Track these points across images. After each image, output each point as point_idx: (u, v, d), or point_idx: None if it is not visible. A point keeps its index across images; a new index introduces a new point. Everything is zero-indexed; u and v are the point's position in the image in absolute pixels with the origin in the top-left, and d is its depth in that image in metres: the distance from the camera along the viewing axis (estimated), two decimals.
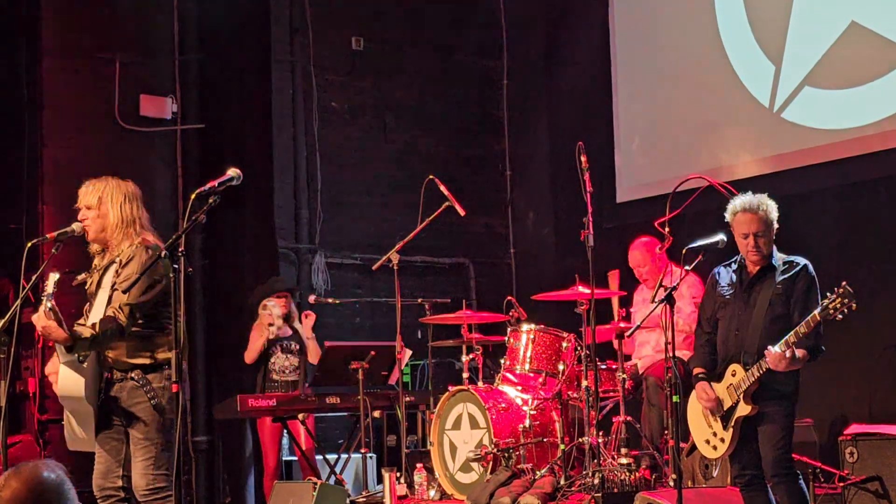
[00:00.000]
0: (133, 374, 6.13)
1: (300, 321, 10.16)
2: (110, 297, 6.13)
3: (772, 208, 6.61)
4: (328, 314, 11.42)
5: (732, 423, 6.51)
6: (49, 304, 5.83)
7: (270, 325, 9.88)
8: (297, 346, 10.01)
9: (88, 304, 6.35)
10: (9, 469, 3.53)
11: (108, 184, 6.39)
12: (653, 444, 8.23)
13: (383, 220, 12.21)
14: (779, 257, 6.62)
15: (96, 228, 6.30)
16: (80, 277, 6.41)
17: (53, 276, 5.96)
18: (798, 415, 6.71)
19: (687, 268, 7.43)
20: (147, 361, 6.15)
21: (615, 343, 8.45)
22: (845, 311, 6.10)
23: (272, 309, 9.88)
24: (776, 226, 6.62)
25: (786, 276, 6.56)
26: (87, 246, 6.46)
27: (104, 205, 6.32)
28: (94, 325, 6.04)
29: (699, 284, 8.62)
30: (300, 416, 9.45)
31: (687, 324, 8.48)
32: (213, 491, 11.74)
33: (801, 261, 6.60)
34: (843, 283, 6.12)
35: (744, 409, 6.46)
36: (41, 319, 5.88)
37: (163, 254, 5.80)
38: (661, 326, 8.36)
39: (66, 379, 6.10)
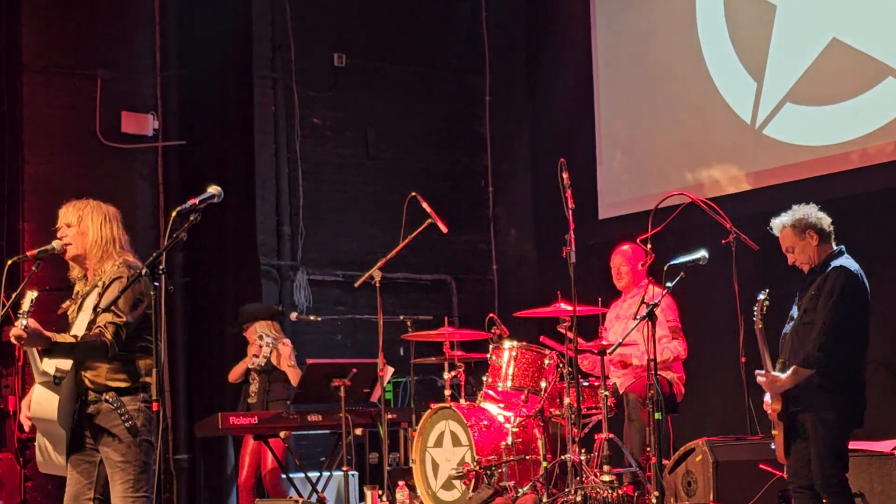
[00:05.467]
0: (107, 397, 6.07)
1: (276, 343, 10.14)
2: (93, 320, 6.07)
3: (796, 220, 6.72)
4: (310, 331, 11.40)
5: (775, 423, 6.66)
6: (24, 323, 5.76)
7: (255, 356, 9.87)
8: (258, 374, 9.98)
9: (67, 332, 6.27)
10: None
11: (88, 203, 6.37)
12: (635, 460, 8.22)
13: (365, 236, 12.20)
14: (835, 261, 6.69)
15: (76, 246, 6.25)
16: (65, 305, 6.35)
17: (31, 294, 5.89)
18: None
19: (669, 284, 7.46)
20: (124, 385, 6.09)
21: (599, 360, 8.42)
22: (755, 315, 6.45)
23: (264, 346, 9.88)
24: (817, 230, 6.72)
25: (821, 279, 6.64)
26: (69, 271, 6.40)
27: (84, 222, 6.28)
28: (75, 336, 5.98)
29: (674, 307, 8.66)
30: (282, 434, 9.41)
31: (659, 352, 8.49)
32: None
33: (838, 262, 6.67)
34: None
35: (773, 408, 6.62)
36: (16, 330, 5.81)
37: (143, 272, 5.76)
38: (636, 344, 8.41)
39: (40, 400, 6.02)
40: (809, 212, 6.77)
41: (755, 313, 6.62)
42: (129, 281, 5.97)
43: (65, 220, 6.31)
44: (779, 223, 6.80)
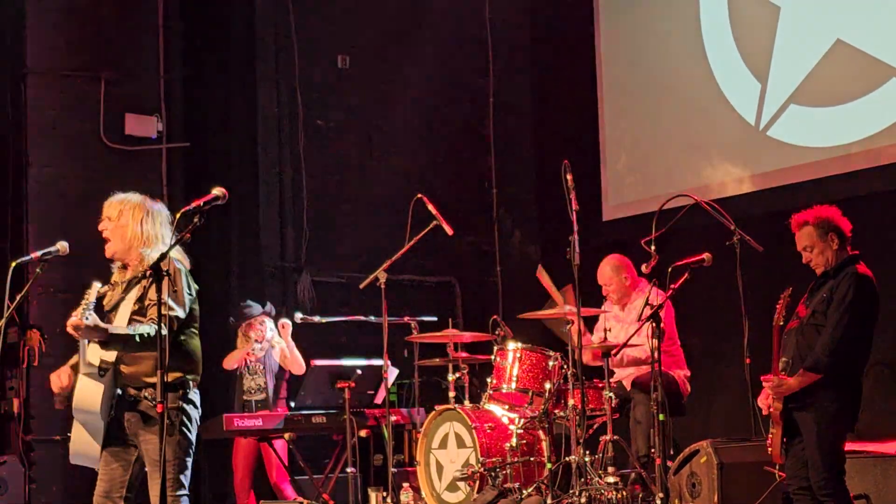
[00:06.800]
0: (146, 393, 6.08)
1: (278, 336, 10.10)
2: (137, 311, 6.06)
3: (821, 220, 6.71)
4: (314, 333, 11.38)
5: (774, 422, 6.64)
6: (88, 315, 5.79)
7: (258, 341, 9.86)
8: (263, 367, 9.97)
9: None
10: None
11: (131, 199, 6.36)
12: (639, 460, 8.21)
13: (369, 238, 12.18)
14: (850, 267, 6.66)
15: (115, 241, 6.25)
16: (102, 290, 6.31)
17: (97, 286, 5.94)
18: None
19: (673, 286, 7.46)
20: (167, 379, 6.08)
21: (602, 361, 8.41)
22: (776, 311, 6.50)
23: (267, 331, 9.88)
24: (839, 234, 6.70)
25: (833, 282, 6.62)
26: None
27: (124, 217, 6.27)
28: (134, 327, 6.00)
29: (669, 310, 8.66)
30: (286, 435, 9.41)
31: (635, 350, 8.48)
32: None
33: (852, 269, 6.64)
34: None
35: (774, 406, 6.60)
36: (75, 321, 5.81)
37: (147, 272, 5.76)
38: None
39: (84, 391, 6.05)
40: (834, 214, 6.74)
41: (777, 309, 6.61)
42: (135, 280, 5.98)
43: (106, 214, 6.32)
44: (801, 220, 6.74)
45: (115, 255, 6.31)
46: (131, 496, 6.25)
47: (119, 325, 6.06)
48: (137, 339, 5.95)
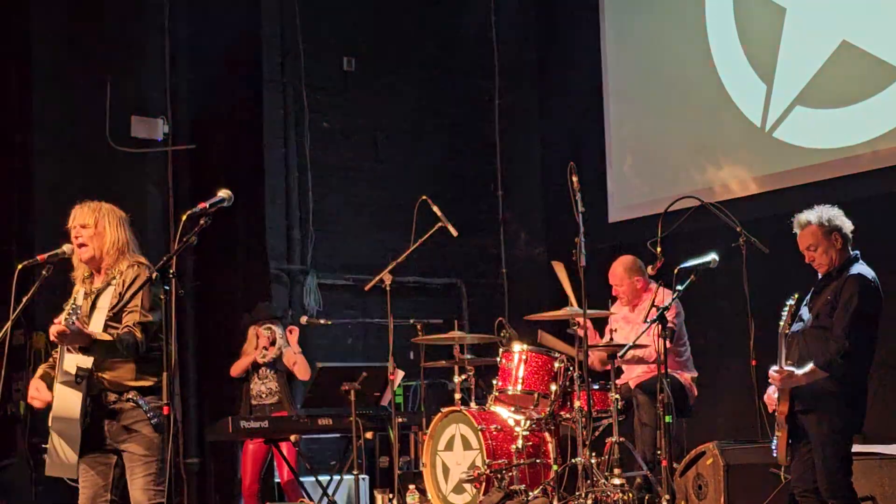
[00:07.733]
0: (131, 396, 6.10)
1: (286, 342, 10.12)
2: (111, 318, 6.07)
3: (825, 220, 6.69)
4: (320, 335, 11.39)
5: (779, 424, 6.63)
6: (73, 320, 5.80)
7: (265, 348, 9.87)
8: (274, 372, 9.98)
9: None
10: None
11: (102, 206, 6.38)
12: (646, 462, 8.21)
13: (375, 240, 12.19)
14: (852, 268, 6.65)
15: (91, 248, 6.26)
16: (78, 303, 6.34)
17: (81, 291, 5.94)
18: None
19: (679, 287, 7.46)
20: (148, 384, 6.11)
21: (608, 364, 8.41)
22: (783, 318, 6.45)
23: (278, 339, 9.91)
24: (842, 234, 6.68)
25: (837, 284, 6.61)
26: (72, 271, 6.40)
27: (101, 223, 6.29)
28: (112, 335, 6.00)
29: (673, 312, 8.65)
30: (292, 438, 9.41)
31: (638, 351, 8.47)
32: None
33: (855, 269, 6.63)
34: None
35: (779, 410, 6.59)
36: (58, 327, 5.83)
37: (154, 275, 5.78)
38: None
39: (63, 399, 6.05)
40: (837, 213, 6.71)
41: (783, 317, 6.58)
42: (139, 284, 5.99)
43: (80, 221, 6.31)
44: (804, 220, 6.70)
45: (90, 262, 6.31)
46: (116, 499, 6.27)
47: (94, 331, 6.08)
48: (119, 346, 5.96)
